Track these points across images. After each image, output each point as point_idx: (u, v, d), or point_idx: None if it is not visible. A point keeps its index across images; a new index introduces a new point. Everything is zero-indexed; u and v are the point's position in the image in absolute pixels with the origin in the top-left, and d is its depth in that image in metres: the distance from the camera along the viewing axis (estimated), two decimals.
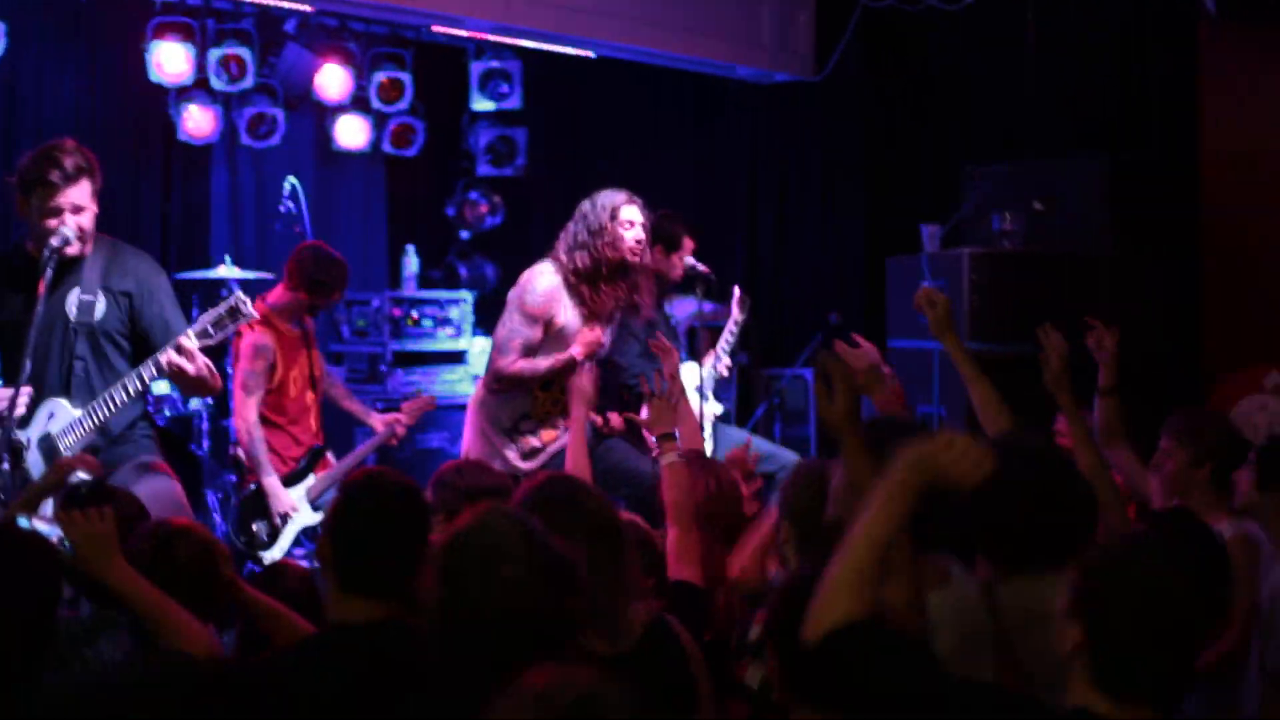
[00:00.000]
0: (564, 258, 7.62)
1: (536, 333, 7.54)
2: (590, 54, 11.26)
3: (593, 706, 2.58)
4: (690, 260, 8.38)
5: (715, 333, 9.05)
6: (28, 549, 3.73)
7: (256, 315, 5.97)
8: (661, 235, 8.42)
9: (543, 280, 7.59)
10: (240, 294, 5.90)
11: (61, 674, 3.92)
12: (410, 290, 11.71)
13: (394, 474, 4.26)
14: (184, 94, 11.12)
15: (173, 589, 4.25)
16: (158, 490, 5.99)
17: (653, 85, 12.37)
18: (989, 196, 9.27)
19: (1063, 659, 3.39)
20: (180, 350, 5.72)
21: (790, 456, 8.24)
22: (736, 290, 8.91)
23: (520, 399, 7.64)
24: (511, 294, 7.70)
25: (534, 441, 7.68)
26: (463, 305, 11.62)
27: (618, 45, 10.85)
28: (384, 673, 3.78)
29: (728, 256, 12.33)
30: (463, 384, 11.38)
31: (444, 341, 11.50)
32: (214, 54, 10.99)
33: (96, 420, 5.90)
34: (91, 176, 5.98)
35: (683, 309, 10.73)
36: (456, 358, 11.54)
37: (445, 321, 11.51)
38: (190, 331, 5.78)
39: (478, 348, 11.57)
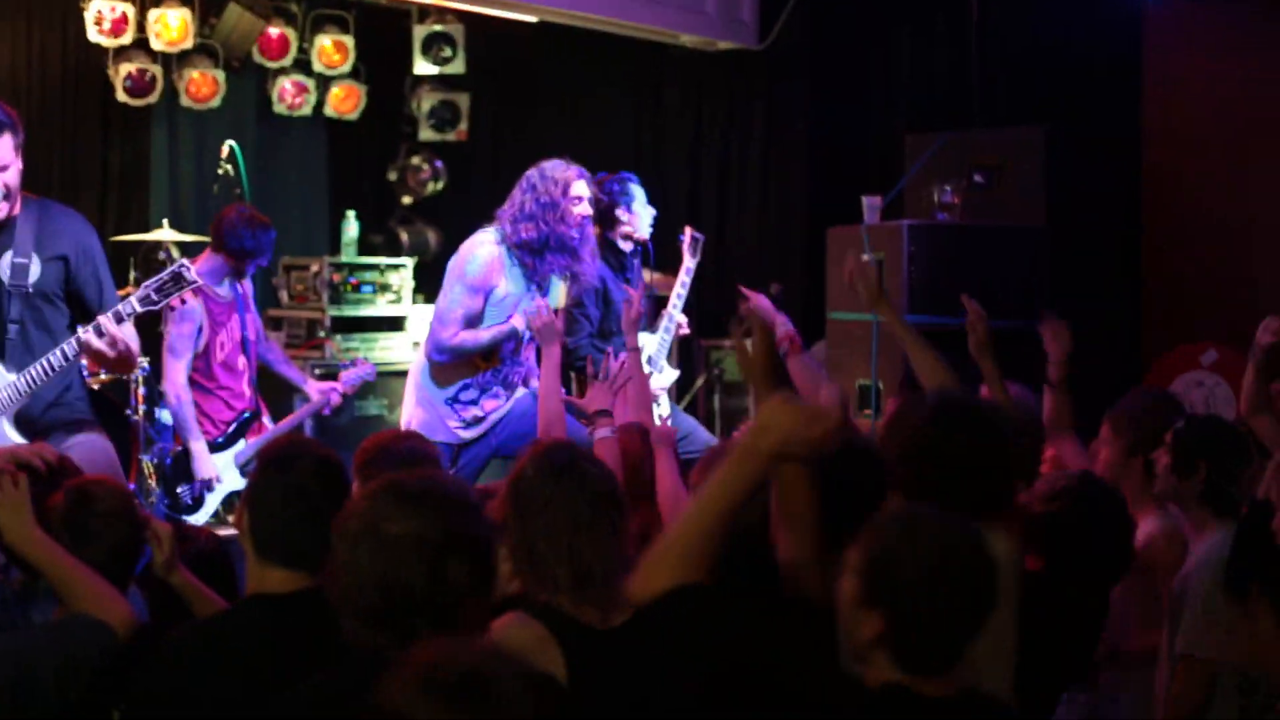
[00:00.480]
0: (508, 227, 7.62)
1: (477, 303, 7.54)
2: (532, 19, 11.19)
3: (481, 682, 2.55)
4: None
5: (659, 303, 8.99)
6: None
7: (199, 282, 5.88)
8: (624, 195, 8.58)
9: (483, 250, 7.58)
10: (184, 261, 5.85)
11: None
12: (350, 255, 11.64)
13: (313, 444, 4.22)
14: (122, 54, 11.03)
15: (89, 546, 4.23)
16: (89, 449, 5.94)
17: (596, 51, 12.31)
18: (930, 168, 9.25)
19: (860, 648, 3.41)
20: (100, 332, 5.65)
21: (707, 438, 8.24)
22: (687, 232, 8.81)
23: (462, 368, 7.62)
24: (452, 264, 7.68)
25: (476, 411, 7.67)
26: (403, 271, 11.57)
27: (561, 11, 10.77)
28: (299, 643, 3.75)
29: (669, 225, 12.30)
30: (402, 350, 11.34)
31: (384, 307, 11.45)
32: (153, 14, 10.90)
33: (30, 384, 5.82)
34: (14, 131, 5.84)
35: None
36: (396, 324, 11.49)
37: (385, 288, 11.46)
38: (133, 299, 5.71)
39: (418, 314, 11.53)
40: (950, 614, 3.32)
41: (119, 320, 5.70)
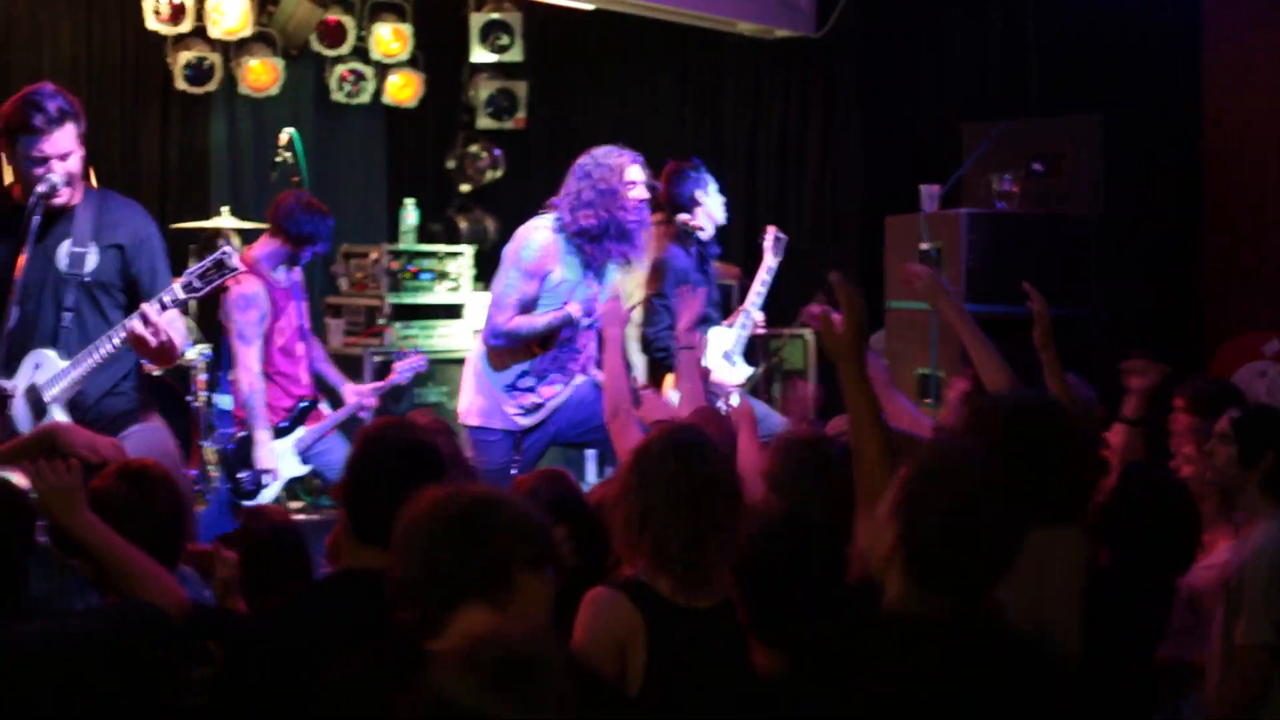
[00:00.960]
0: (567, 215, 7.56)
1: (533, 287, 7.50)
2: (589, 6, 11.20)
3: (523, 665, 2.57)
4: (683, 216, 8.35)
5: (723, 291, 9.02)
6: None
7: (243, 268, 5.89)
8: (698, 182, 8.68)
9: (538, 235, 7.57)
10: (227, 247, 5.84)
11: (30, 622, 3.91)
12: (409, 243, 11.67)
13: (410, 426, 4.24)
14: (181, 42, 11.10)
15: (140, 528, 4.28)
16: (145, 437, 5.97)
17: (653, 39, 12.33)
18: (988, 156, 9.21)
19: (885, 559, 3.44)
20: (145, 321, 5.68)
21: (779, 422, 8.21)
22: (770, 232, 8.92)
23: (519, 354, 7.62)
24: (507, 249, 7.67)
25: (534, 398, 7.67)
26: (462, 259, 11.59)
27: None
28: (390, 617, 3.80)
29: (732, 212, 12.30)
30: (461, 338, 11.37)
31: (443, 295, 11.47)
32: (212, 2, 10.96)
33: (82, 371, 5.85)
34: (76, 120, 5.86)
35: None
36: (455, 311, 11.51)
37: (444, 275, 11.48)
38: (176, 285, 5.71)
39: (476, 302, 11.56)
40: (961, 535, 3.33)
41: (163, 308, 5.69)
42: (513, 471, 7.40)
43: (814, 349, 10.95)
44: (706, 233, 8.59)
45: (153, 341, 5.67)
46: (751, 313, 8.66)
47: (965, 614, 3.38)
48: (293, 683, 3.73)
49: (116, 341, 5.75)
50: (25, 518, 3.78)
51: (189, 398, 9.72)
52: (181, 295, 5.71)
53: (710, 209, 8.60)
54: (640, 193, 7.59)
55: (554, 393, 7.71)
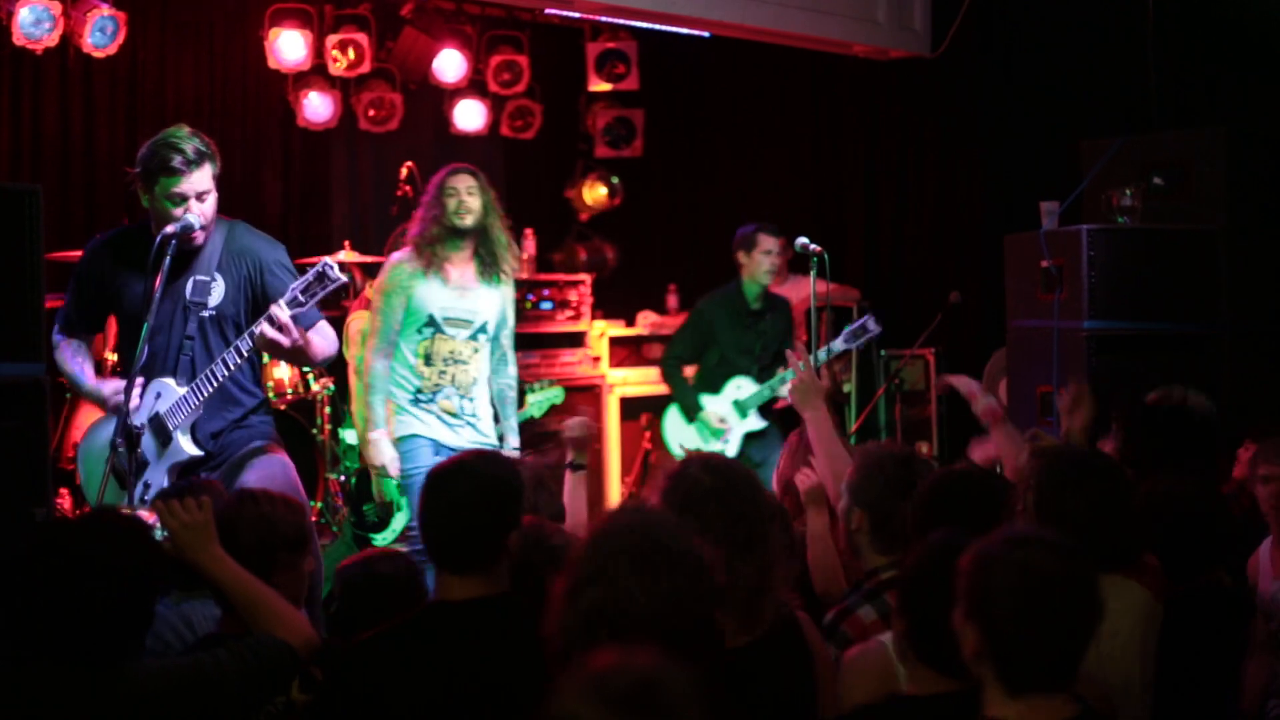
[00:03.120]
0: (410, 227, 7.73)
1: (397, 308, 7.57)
2: (705, 34, 11.22)
3: (652, 690, 2.57)
4: (802, 240, 8.35)
5: (839, 314, 9.11)
6: (128, 534, 3.77)
7: (344, 279, 5.89)
8: (742, 241, 9.67)
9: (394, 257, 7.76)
10: (328, 260, 5.89)
11: (162, 659, 3.96)
12: (529, 273, 11.73)
13: (478, 461, 4.29)
14: (302, 80, 11.23)
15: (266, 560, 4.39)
16: (267, 469, 6.05)
17: (769, 64, 12.33)
18: (1108, 172, 9.13)
19: (969, 662, 3.38)
20: (272, 321, 5.74)
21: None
22: (867, 318, 9.21)
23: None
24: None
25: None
26: (581, 287, 11.64)
27: (733, 24, 10.79)
28: (476, 647, 3.91)
29: (846, 236, 12.28)
30: (582, 366, 11.43)
31: (563, 323, 11.53)
32: (331, 40, 11.09)
33: (202, 396, 5.91)
34: (213, 161, 6.01)
35: (798, 290, 10.75)
36: (575, 340, 11.57)
37: (564, 304, 11.53)
38: (282, 301, 5.80)
39: (596, 330, 11.61)
40: (1043, 629, 3.28)
41: (271, 322, 5.76)
42: None
43: (934, 370, 10.94)
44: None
45: (285, 341, 5.75)
46: (788, 376, 8.81)
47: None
48: (383, 713, 3.79)
49: (231, 362, 5.83)
50: (155, 555, 3.84)
51: (313, 431, 9.81)
52: (286, 315, 5.77)
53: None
54: (461, 198, 7.57)
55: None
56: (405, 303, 7.48)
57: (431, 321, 7.47)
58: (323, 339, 6.21)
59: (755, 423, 9.45)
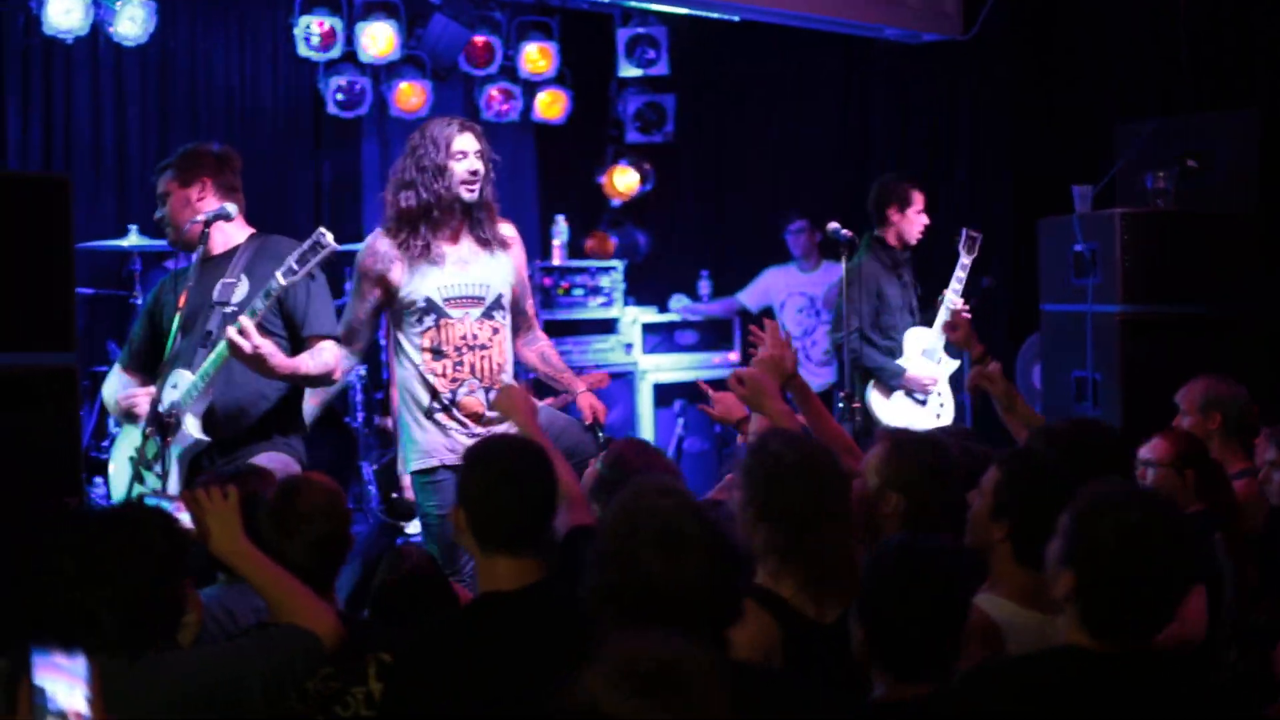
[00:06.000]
0: (388, 198, 6.60)
1: (373, 294, 6.61)
2: (735, 18, 11.20)
3: (676, 674, 2.56)
4: (834, 224, 8.31)
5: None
6: (149, 524, 3.77)
7: (337, 247, 5.88)
8: (894, 195, 9.11)
9: (372, 235, 6.74)
10: (322, 229, 5.87)
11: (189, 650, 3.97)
12: (561, 259, 11.73)
13: (510, 436, 4.30)
14: (332, 67, 11.23)
15: (292, 541, 4.40)
16: (268, 465, 6.07)
17: (799, 48, 12.29)
18: (1141, 155, 9.09)
19: (1058, 601, 3.49)
20: (240, 330, 5.76)
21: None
22: (964, 232, 9.04)
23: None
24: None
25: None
26: (614, 274, 11.65)
27: (762, 9, 10.76)
28: (532, 639, 3.88)
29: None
30: (614, 352, 11.42)
31: (595, 310, 11.53)
32: (361, 27, 11.08)
33: (207, 379, 5.96)
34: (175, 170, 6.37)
35: (831, 274, 10.73)
36: (608, 326, 11.57)
37: (596, 290, 11.54)
38: (277, 273, 5.81)
39: (629, 317, 11.60)
40: (1139, 584, 3.39)
41: (267, 297, 5.84)
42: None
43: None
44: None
45: (246, 347, 5.74)
46: (951, 303, 8.81)
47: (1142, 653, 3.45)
48: (455, 700, 3.78)
49: (221, 351, 5.88)
50: (182, 546, 3.84)
51: (347, 418, 9.83)
52: (283, 282, 5.81)
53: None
54: (472, 164, 6.58)
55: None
56: (385, 289, 6.55)
57: (431, 306, 6.49)
58: (315, 359, 6.16)
59: (951, 364, 9.09)
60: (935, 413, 8.92)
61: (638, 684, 2.55)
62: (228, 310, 6.04)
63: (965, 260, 8.92)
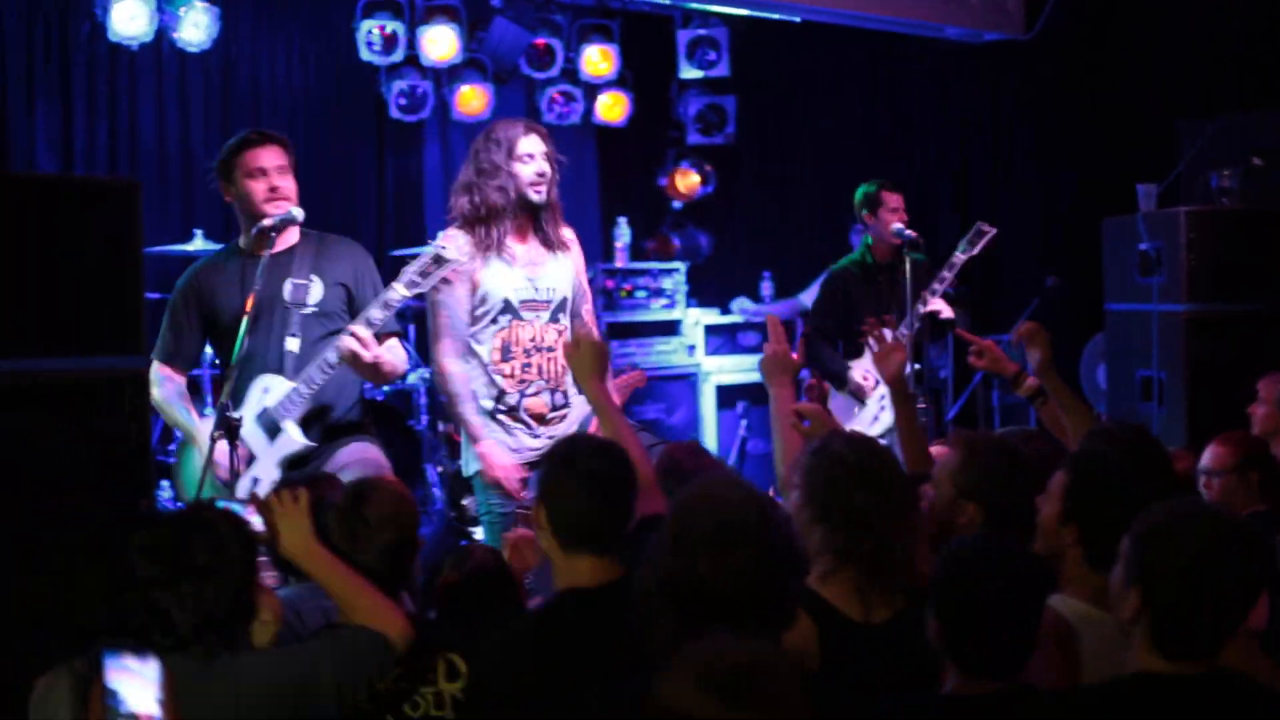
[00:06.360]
0: (451, 202, 6.64)
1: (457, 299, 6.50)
2: (796, 18, 11.19)
3: (754, 676, 2.57)
4: (897, 225, 8.28)
5: (949, 300, 8.92)
6: (221, 525, 3.80)
7: (463, 260, 5.95)
8: (865, 200, 8.81)
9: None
10: (442, 241, 5.92)
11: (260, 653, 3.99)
12: (623, 261, 11.75)
13: (593, 436, 4.31)
14: (394, 71, 11.26)
15: (362, 545, 4.43)
16: (359, 454, 6.15)
17: (861, 48, 12.28)
18: (1205, 153, 9.05)
19: (1124, 625, 3.48)
20: (355, 337, 5.80)
21: None
22: (977, 225, 8.58)
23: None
24: None
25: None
26: (676, 276, 11.66)
27: (824, 9, 10.76)
28: (612, 635, 3.84)
29: (940, 221, 12.21)
30: (677, 354, 11.43)
31: (658, 312, 11.54)
32: (423, 31, 11.11)
33: (309, 388, 5.98)
34: (283, 145, 6.31)
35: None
36: (670, 328, 11.58)
37: (659, 292, 11.55)
38: (397, 284, 5.85)
39: (691, 318, 11.61)
40: (1207, 602, 3.37)
41: (386, 307, 5.87)
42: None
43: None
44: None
45: (366, 356, 5.78)
46: (918, 307, 8.34)
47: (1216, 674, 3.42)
48: (537, 698, 3.80)
49: (332, 358, 5.87)
50: (253, 548, 3.86)
51: (410, 421, 9.86)
52: (407, 293, 5.86)
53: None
54: (539, 165, 6.51)
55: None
56: (469, 291, 6.46)
57: (508, 307, 6.46)
58: (393, 356, 6.22)
59: None
60: (874, 414, 8.81)
61: (717, 686, 2.55)
62: (306, 311, 6.11)
63: (959, 256, 8.46)
